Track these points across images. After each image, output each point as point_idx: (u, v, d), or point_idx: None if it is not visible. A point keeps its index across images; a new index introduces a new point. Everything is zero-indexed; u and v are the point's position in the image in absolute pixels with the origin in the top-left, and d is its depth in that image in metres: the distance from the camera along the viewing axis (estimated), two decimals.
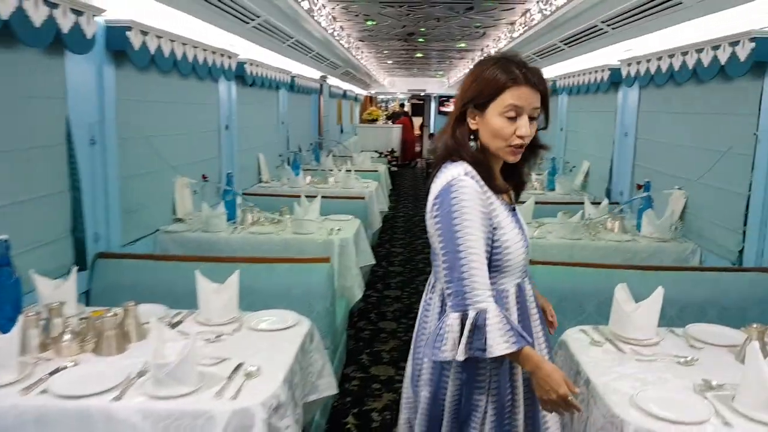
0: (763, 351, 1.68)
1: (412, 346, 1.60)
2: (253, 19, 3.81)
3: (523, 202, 3.64)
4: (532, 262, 2.65)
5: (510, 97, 1.36)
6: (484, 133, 1.42)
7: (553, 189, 5.18)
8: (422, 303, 1.59)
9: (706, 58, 3.01)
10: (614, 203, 4.22)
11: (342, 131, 11.72)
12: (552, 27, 4.68)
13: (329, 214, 3.83)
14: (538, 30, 4.93)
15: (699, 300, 2.51)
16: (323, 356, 2.03)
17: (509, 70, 1.37)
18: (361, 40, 7.84)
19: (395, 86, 18.03)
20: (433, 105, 18.93)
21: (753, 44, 2.60)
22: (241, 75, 4.51)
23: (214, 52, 3.83)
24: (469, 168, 1.41)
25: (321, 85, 8.42)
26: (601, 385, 1.55)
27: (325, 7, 5.15)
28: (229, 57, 4.13)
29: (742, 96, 2.88)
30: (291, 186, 5.06)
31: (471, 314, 1.31)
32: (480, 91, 1.40)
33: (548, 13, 4.61)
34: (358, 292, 3.27)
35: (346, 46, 7.26)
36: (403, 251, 6.24)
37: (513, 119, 1.38)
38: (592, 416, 1.51)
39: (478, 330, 1.31)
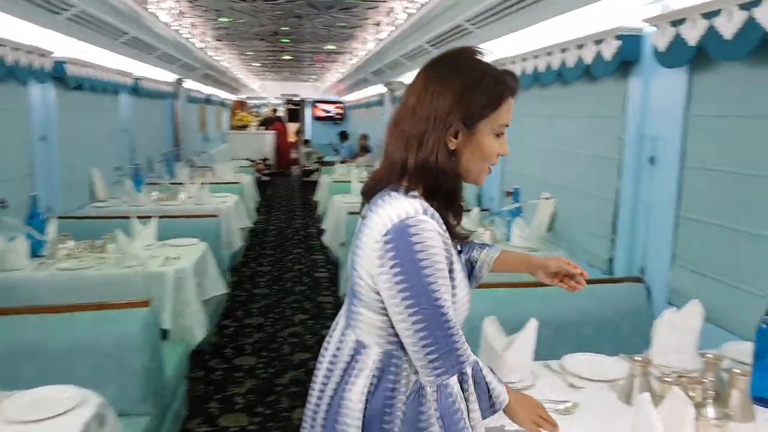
0: (645, 383, 1.51)
1: None
2: (66, 9, 3.22)
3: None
4: None
5: (505, 112, 1.17)
6: (469, 156, 1.16)
7: None
8: (332, 379, 1.23)
9: (571, 58, 2.91)
10: (485, 210, 4.10)
11: (207, 139, 11.01)
12: (418, 27, 4.51)
13: (173, 238, 3.33)
14: (404, 31, 4.74)
15: (574, 316, 2.36)
16: None
17: (504, 78, 1.17)
18: (218, 39, 7.29)
19: (267, 91, 17.44)
20: (308, 110, 18.55)
21: (619, 42, 2.50)
22: (61, 77, 3.86)
23: (17, 49, 3.20)
24: (425, 204, 1.13)
25: (176, 89, 7.74)
26: None
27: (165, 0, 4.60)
28: (42, 55, 3.49)
29: (607, 97, 2.80)
30: (131, 204, 4.45)
31: (469, 371, 1.15)
32: (477, 104, 1.13)
33: (413, 11, 4.43)
34: (199, 332, 2.80)
35: (201, 46, 6.69)
36: (270, 269, 5.79)
37: (499, 137, 1.18)
38: None
39: (478, 386, 1.17)
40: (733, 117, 2.05)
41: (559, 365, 1.74)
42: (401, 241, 1.07)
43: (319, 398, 1.24)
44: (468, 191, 4.82)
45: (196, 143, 9.57)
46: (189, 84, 8.50)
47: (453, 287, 1.14)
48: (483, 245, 1.46)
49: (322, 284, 5.33)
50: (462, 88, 1.13)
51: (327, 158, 10.93)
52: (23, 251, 2.75)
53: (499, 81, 1.15)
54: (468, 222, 3.48)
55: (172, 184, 5.31)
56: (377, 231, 1.11)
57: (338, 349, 1.23)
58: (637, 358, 1.55)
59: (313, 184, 8.22)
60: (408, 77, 6.94)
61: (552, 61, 3.10)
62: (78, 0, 3.22)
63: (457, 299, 1.16)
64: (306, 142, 14.24)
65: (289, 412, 3.00)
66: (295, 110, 18.83)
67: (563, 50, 2.98)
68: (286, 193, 11.50)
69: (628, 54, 2.51)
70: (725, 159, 2.08)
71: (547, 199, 3.30)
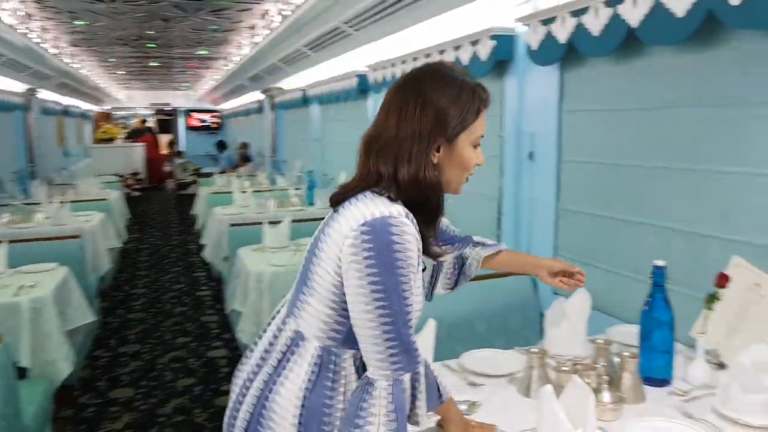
0: (543, 374, 1.53)
1: None
2: None
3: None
4: None
5: (481, 124, 1.21)
6: (450, 167, 1.21)
7: (313, 204, 4.92)
8: (264, 369, 1.22)
9: (448, 60, 2.96)
10: None
11: (67, 154, 10.15)
12: (294, 29, 4.42)
13: (27, 264, 2.98)
14: (281, 34, 4.63)
15: (468, 313, 2.38)
16: None
17: (478, 92, 1.21)
18: (74, 45, 6.72)
19: (134, 100, 16.47)
20: (182, 120, 17.74)
21: (494, 42, 2.58)
22: None
23: None
24: (407, 211, 1.15)
25: (28, 100, 7.04)
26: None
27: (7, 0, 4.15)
28: None
29: None
30: None
31: (422, 370, 1.17)
32: (456, 118, 1.18)
33: (288, 13, 4.33)
34: (64, 366, 2.51)
35: (55, 51, 6.13)
36: (146, 291, 5.39)
37: (476, 148, 1.22)
38: None
39: (429, 383, 1.21)
40: (602, 111, 2.16)
41: (458, 364, 1.73)
42: (381, 237, 1.09)
43: (243, 394, 1.22)
44: None
45: (55, 159, 8.78)
46: (43, 94, 7.77)
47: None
48: (478, 243, 1.56)
49: (205, 303, 5.05)
50: (443, 103, 1.17)
51: (204, 170, 10.48)
52: None
53: (474, 94, 1.19)
54: None
55: (27, 204, 4.82)
56: (354, 221, 1.12)
57: (275, 337, 1.23)
58: (533, 350, 1.56)
59: (191, 198, 7.82)
60: (288, 82, 6.81)
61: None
62: None
63: (414, 306, 1.19)
64: (179, 153, 13.58)
65: None
66: (166, 120, 17.92)
67: (441, 51, 3.04)
68: (160, 208, 10.85)
69: (502, 54, 2.59)
70: (598, 151, 2.20)
71: None
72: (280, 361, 1.19)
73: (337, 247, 1.12)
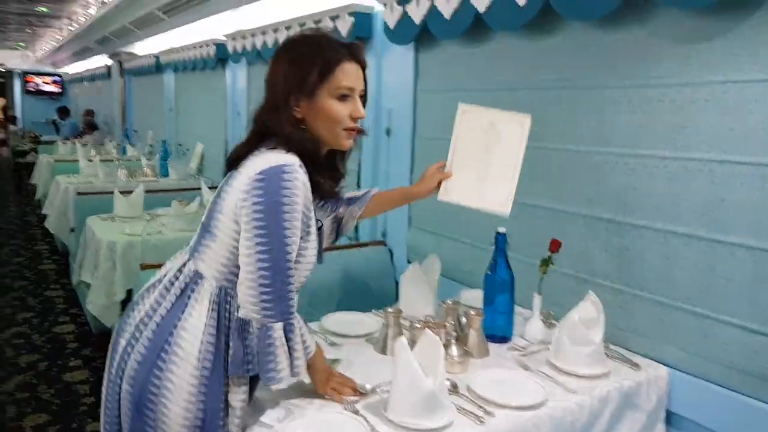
0: (398, 332, 1.54)
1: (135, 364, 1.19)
2: None
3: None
4: (143, 267, 2.06)
5: (342, 76, 1.22)
6: (315, 121, 1.24)
7: (166, 175, 4.57)
8: (162, 305, 1.21)
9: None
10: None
11: None
12: None
13: None
14: None
15: (328, 281, 2.35)
16: None
17: (334, 47, 1.23)
18: None
19: None
20: (17, 83, 15.60)
21: (353, 19, 2.52)
22: None
23: None
24: (300, 162, 1.18)
25: None
26: None
27: None
28: None
29: None
30: None
31: (296, 324, 1.16)
32: (307, 75, 1.20)
33: None
34: None
35: None
36: None
37: (344, 100, 1.23)
38: None
39: (303, 338, 1.19)
40: (452, 91, 2.21)
41: (319, 326, 1.70)
42: (272, 182, 1.11)
43: (135, 338, 1.20)
44: (213, 169, 4.53)
45: None
46: None
47: (304, 248, 1.19)
48: (351, 200, 1.55)
49: (49, 277, 4.54)
50: (294, 60, 1.22)
51: (45, 138, 9.31)
52: None
53: (331, 49, 1.22)
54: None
55: None
56: (252, 170, 1.13)
57: (171, 282, 1.22)
58: (389, 310, 1.57)
59: (29, 167, 6.92)
60: (140, 47, 6.23)
61: (292, 34, 3.02)
62: None
63: (303, 260, 1.20)
64: (14, 119, 11.98)
65: (19, 420, 2.51)
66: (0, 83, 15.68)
67: (301, 24, 2.92)
68: None
69: (361, 30, 2.55)
70: (448, 129, 2.24)
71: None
72: (179, 298, 1.19)
73: (236, 193, 1.14)
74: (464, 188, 1.51)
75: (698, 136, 1.43)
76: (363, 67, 1.28)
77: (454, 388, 1.34)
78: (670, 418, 1.50)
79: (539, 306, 1.65)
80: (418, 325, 1.49)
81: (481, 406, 1.26)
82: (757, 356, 1.33)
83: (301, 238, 1.17)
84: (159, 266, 1.99)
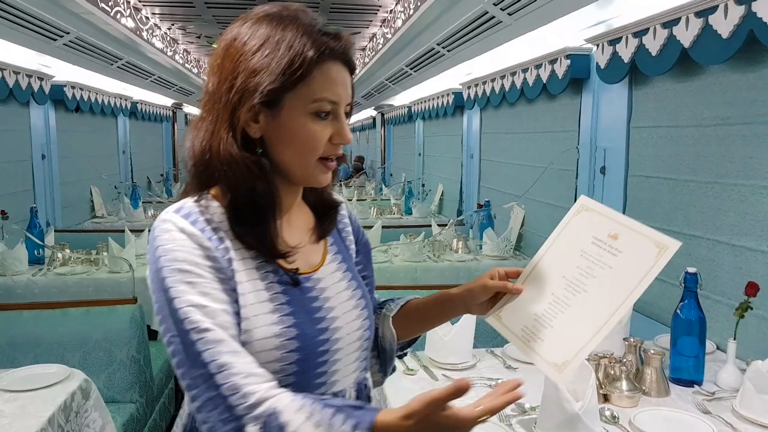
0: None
1: None
2: (61, 36, 3.41)
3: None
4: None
5: (323, 82, 0.83)
6: (278, 145, 0.84)
7: (410, 213, 5.17)
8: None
9: (530, 77, 3.09)
10: (460, 223, 4.25)
11: None
12: (395, 51, 4.71)
13: None
14: (384, 54, 4.94)
15: None
16: (104, 414, 1.72)
17: (314, 34, 0.83)
18: None
19: None
20: None
21: (568, 61, 2.68)
22: (60, 99, 4.06)
23: (17, 72, 3.39)
24: (192, 205, 0.84)
25: (174, 113, 7.96)
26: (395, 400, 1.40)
27: (159, 28, 4.82)
28: (41, 78, 3.69)
29: (563, 113, 2.98)
30: (128, 220, 4.60)
31: (254, 429, 0.72)
32: (269, 74, 0.80)
33: (389, 36, 4.63)
34: None
35: (196, 71, 6.91)
36: None
37: (324, 117, 0.85)
38: None
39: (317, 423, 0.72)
40: (665, 128, 2.21)
41: (502, 351, 1.88)
42: (150, 248, 0.82)
43: None
44: (451, 207, 4.98)
45: None
46: (187, 108, 8.73)
47: (246, 317, 0.81)
48: (383, 305, 1.10)
49: None
50: (251, 52, 0.81)
51: None
52: (23, 257, 2.91)
53: (308, 37, 0.82)
54: (444, 234, 3.63)
55: (171, 202, 5.46)
56: None
57: None
58: None
59: None
60: (398, 99, 7.15)
61: (516, 80, 3.28)
62: (73, 27, 3.41)
63: (253, 333, 0.80)
64: None
65: None
66: None
67: (524, 70, 3.17)
68: None
69: (577, 71, 2.69)
70: (660, 166, 2.24)
71: (517, 205, 3.45)
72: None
73: None
74: (524, 317, 1.00)
75: None
76: (351, 71, 0.89)
77: (613, 419, 1.41)
78: None
79: (734, 352, 1.58)
80: (589, 359, 1.58)
81: None
82: None
83: (236, 302, 0.80)
84: (387, 288, 2.44)
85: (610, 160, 2.58)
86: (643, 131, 2.36)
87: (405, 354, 1.17)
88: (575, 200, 3.02)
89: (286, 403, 0.74)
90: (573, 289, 0.98)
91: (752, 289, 1.54)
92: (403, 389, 1.57)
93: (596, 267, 0.97)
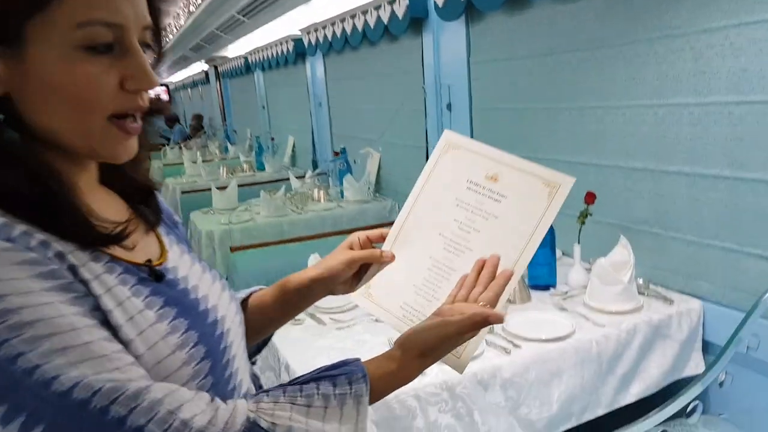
0: None
1: None
2: None
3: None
4: (232, 249, 2.50)
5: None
6: (36, 104, 0.58)
7: (262, 169, 5.10)
8: None
9: (371, 19, 3.16)
10: (322, 173, 4.31)
11: None
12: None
13: None
14: (212, 3, 4.71)
15: None
16: None
17: None
18: None
19: None
20: None
21: (407, 1, 2.78)
22: None
23: None
24: None
25: None
26: (300, 367, 1.47)
27: None
28: None
29: (407, 53, 3.10)
30: None
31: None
32: None
33: None
34: None
35: None
36: None
37: (104, 51, 0.58)
38: None
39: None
40: (501, 60, 2.41)
41: None
42: None
43: None
44: (305, 159, 5.00)
45: None
46: None
47: (121, 339, 0.58)
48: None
49: None
50: None
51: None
52: None
53: None
54: (305, 186, 3.67)
55: None
56: None
57: None
58: None
59: None
60: (231, 50, 6.86)
61: (357, 23, 3.34)
62: None
63: (150, 355, 0.60)
64: None
65: None
66: None
67: (364, 12, 3.23)
68: None
69: (416, 11, 2.80)
70: (500, 97, 2.45)
71: (371, 150, 3.57)
72: None
73: None
74: (401, 291, 0.85)
75: (717, 81, 1.56)
76: None
77: (489, 330, 1.59)
78: (707, 347, 1.65)
79: (578, 254, 1.84)
80: None
81: (510, 341, 1.51)
82: None
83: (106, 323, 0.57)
84: (248, 248, 2.44)
85: (455, 97, 2.77)
86: (482, 66, 2.56)
87: (255, 362, 0.93)
88: (426, 139, 3.20)
89: (261, 406, 0.61)
90: (455, 248, 0.83)
91: (590, 197, 1.79)
92: (293, 340, 1.63)
93: (478, 218, 0.82)
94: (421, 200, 0.88)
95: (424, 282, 0.84)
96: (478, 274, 0.78)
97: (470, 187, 0.85)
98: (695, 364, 1.65)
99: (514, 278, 0.78)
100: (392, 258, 0.87)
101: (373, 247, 0.89)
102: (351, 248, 0.88)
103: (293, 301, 0.90)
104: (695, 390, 1.25)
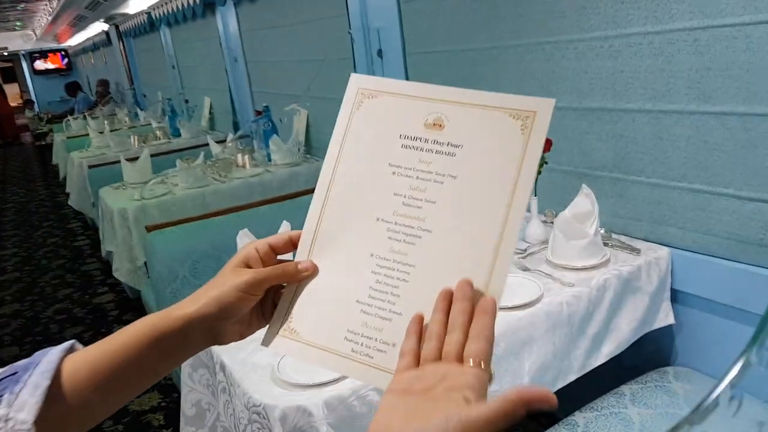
0: None
1: None
2: None
3: None
4: (150, 228, 2.22)
5: None
6: None
7: (178, 135, 4.72)
8: None
9: None
10: (245, 136, 4.01)
11: None
12: None
13: None
14: None
15: None
16: None
17: None
18: None
19: None
20: (26, 65, 16.03)
21: None
22: None
23: None
24: None
25: None
26: (237, 365, 1.27)
27: None
28: None
29: None
30: None
31: None
32: None
33: None
34: None
35: None
36: (18, 251, 5.09)
37: None
38: (236, 408, 1.23)
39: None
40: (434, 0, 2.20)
41: None
42: None
43: None
44: (224, 121, 4.65)
45: None
46: None
47: None
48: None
49: (84, 252, 4.84)
50: None
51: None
52: None
53: None
54: (227, 151, 3.37)
55: None
56: None
57: None
58: None
59: (51, 148, 7.26)
60: (133, 5, 6.29)
61: None
62: None
63: None
64: (30, 102, 12.41)
65: None
66: (7, 69, 16.16)
67: None
68: (20, 164, 10.02)
69: None
70: (436, 40, 2.25)
71: (297, 107, 3.31)
72: None
73: None
74: (340, 316, 0.60)
75: (680, 5, 1.41)
76: None
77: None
78: (675, 295, 1.57)
79: (536, 207, 1.71)
80: None
81: None
82: (753, 223, 1.37)
83: None
84: (166, 226, 2.17)
85: (385, 42, 2.54)
86: (414, 5, 2.34)
87: None
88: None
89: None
90: (405, 234, 0.59)
91: (546, 144, 1.64)
92: None
93: (429, 185, 0.59)
94: (340, 179, 0.63)
95: (373, 292, 0.58)
96: (446, 313, 0.53)
97: (406, 144, 0.61)
98: (665, 316, 1.56)
99: (500, 264, 0.55)
100: (314, 269, 0.62)
101: (279, 262, 0.62)
102: (247, 265, 0.60)
103: (147, 367, 0.56)
104: None
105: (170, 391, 2.56)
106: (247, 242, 0.63)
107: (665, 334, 1.60)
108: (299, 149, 3.23)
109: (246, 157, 3.26)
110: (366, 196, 0.61)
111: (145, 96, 7.37)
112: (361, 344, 0.57)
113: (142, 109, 6.47)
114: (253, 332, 0.62)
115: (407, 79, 2.45)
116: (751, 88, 1.32)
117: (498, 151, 0.58)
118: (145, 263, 2.61)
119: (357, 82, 0.66)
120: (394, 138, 0.62)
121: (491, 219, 0.56)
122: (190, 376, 1.51)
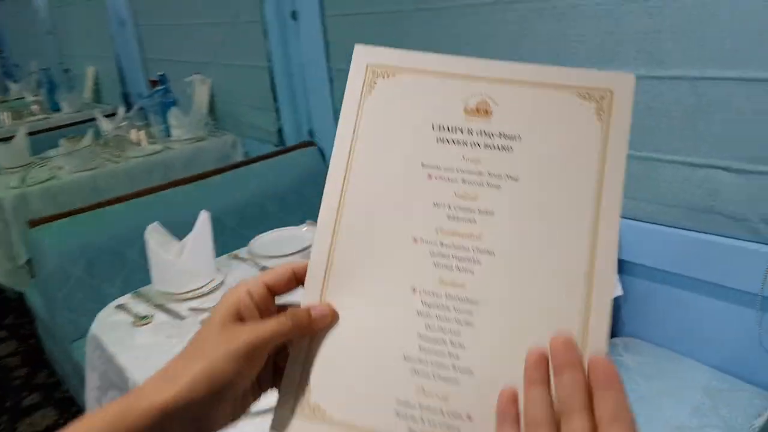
0: None
1: None
2: None
3: None
4: (35, 223, 1.91)
5: None
6: None
7: (58, 109, 4.25)
8: None
9: None
10: (139, 108, 3.66)
11: None
12: None
13: None
14: None
15: (255, 197, 2.28)
16: None
17: None
18: None
19: None
20: None
21: None
22: None
23: None
24: None
25: None
26: None
27: None
28: None
29: None
30: None
31: None
32: None
33: None
34: None
35: None
36: None
37: None
38: None
39: None
40: None
41: (247, 251, 1.64)
42: None
43: None
44: (113, 93, 4.24)
45: None
46: None
47: None
48: None
49: None
50: None
51: None
52: None
53: None
54: (117, 127, 3.04)
55: None
56: None
57: None
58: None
59: None
60: None
61: None
62: None
63: None
64: None
65: None
66: None
67: None
68: None
69: None
70: (362, 1, 2.09)
71: (199, 76, 3.05)
72: None
73: None
74: (381, 379, 0.43)
75: None
76: None
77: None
78: (622, 267, 1.54)
79: None
80: None
81: None
82: (700, 190, 1.35)
83: None
84: (53, 219, 1.89)
85: (301, 2, 2.35)
86: None
87: None
88: (269, 58, 2.79)
89: None
90: (458, 259, 0.44)
91: None
92: (141, 348, 1.22)
93: (481, 190, 0.45)
94: (355, 188, 0.47)
95: (424, 343, 0.43)
96: (547, 384, 0.38)
97: (442, 137, 0.46)
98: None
99: (603, 346, 0.41)
100: (333, 315, 0.45)
101: (283, 308, 0.46)
102: (239, 319, 0.43)
103: None
104: None
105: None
106: (230, 287, 0.43)
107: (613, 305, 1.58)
108: (204, 121, 2.97)
109: (141, 132, 2.96)
110: (395, 210, 0.46)
111: (16, 66, 6.62)
112: (422, 419, 0.41)
113: (14, 81, 5.81)
114: (248, 410, 0.45)
115: (326, 45, 2.28)
116: (704, 52, 1.28)
117: (568, 143, 0.45)
118: (28, 261, 2.30)
119: (365, 55, 0.50)
120: (425, 130, 0.47)
121: (575, 235, 0.43)
122: None
